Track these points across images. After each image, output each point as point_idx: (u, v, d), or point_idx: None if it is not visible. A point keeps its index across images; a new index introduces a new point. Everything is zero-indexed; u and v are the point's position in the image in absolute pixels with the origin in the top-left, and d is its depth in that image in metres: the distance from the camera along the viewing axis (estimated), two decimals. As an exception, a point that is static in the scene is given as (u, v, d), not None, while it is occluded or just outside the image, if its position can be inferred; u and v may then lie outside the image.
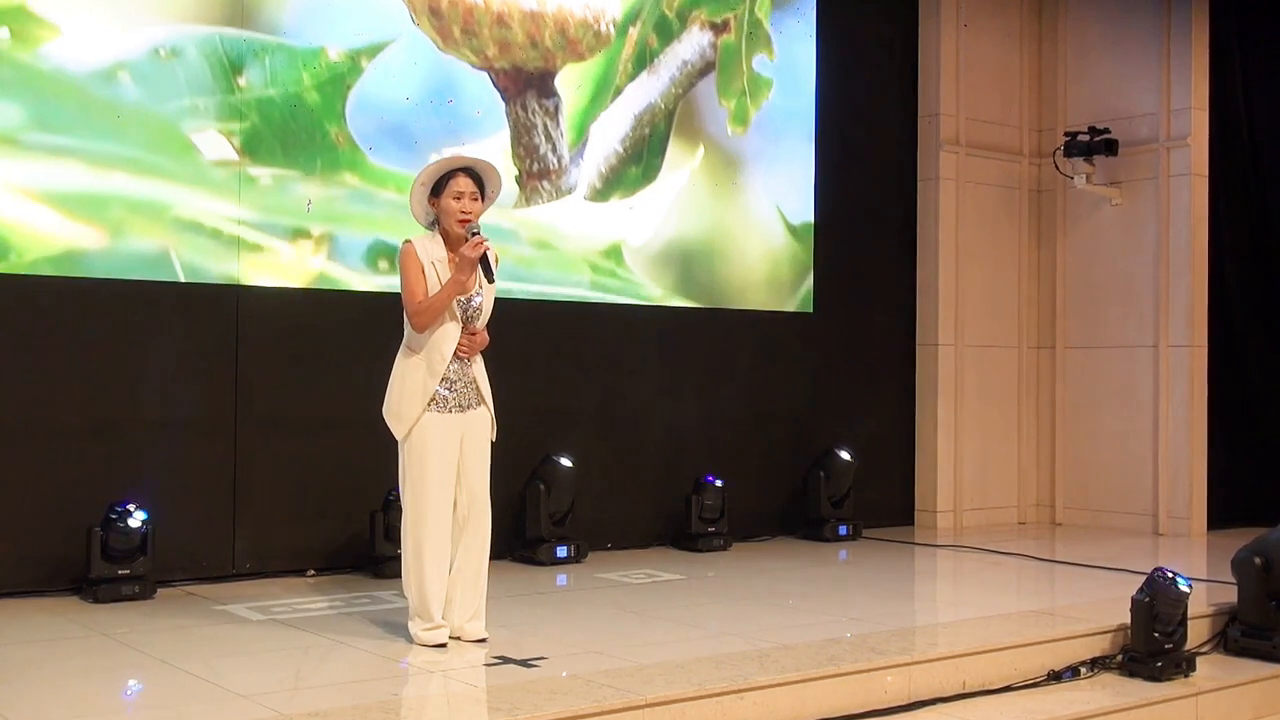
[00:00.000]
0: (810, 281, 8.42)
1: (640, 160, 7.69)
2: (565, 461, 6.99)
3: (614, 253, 7.57)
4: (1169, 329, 8.64)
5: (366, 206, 6.65)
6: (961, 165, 8.99)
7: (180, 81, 6.12)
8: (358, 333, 6.50)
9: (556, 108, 7.36)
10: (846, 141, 8.66)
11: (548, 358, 7.27)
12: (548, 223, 7.29)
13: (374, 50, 6.69)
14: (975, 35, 9.08)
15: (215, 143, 6.22)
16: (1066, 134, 8.91)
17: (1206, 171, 8.70)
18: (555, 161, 7.34)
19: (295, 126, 6.45)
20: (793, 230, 8.34)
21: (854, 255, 8.70)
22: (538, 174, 7.28)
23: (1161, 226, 8.70)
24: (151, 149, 6.04)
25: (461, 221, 4.72)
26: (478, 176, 4.82)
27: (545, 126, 7.28)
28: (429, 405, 4.72)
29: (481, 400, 4.85)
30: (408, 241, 4.80)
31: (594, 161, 7.51)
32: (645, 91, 7.72)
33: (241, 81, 6.29)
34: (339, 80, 6.58)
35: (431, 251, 4.77)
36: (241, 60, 6.29)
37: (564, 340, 7.37)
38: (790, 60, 8.38)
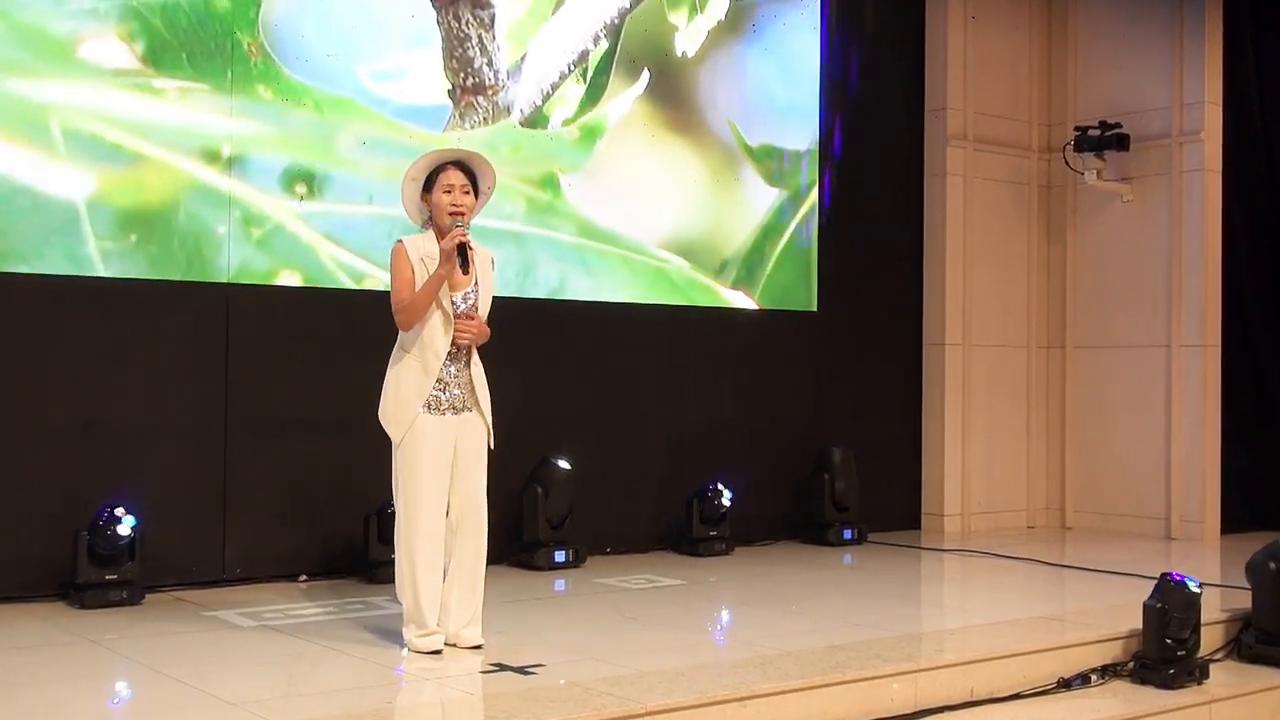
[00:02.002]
0: (814, 272, 8.41)
1: (584, 78, 7.45)
2: (563, 464, 6.98)
3: (550, 182, 7.32)
4: (1182, 328, 8.64)
5: (281, 125, 6.41)
6: (969, 161, 8.98)
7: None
8: (351, 332, 6.49)
9: (492, 19, 7.10)
10: (851, 136, 8.66)
11: (546, 357, 7.26)
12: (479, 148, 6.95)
13: None
14: (983, 27, 9.08)
15: (114, 50, 5.95)
16: (1077, 128, 8.91)
17: (1220, 167, 8.70)
18: (491, 76, 7.10)
19: (203, 35, 6.16)
20: (750, 151, 8.13)
21: (859, 253, 8.69)
22: (472, 89, 7.03)
23: (1174, 223, 8.70)
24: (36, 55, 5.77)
25: (452, 214, 4.72)
26: (469, 170, 4.81)
27: (480, 39, 7.04)
28: (423, 407, 4.71)
29: (476, 404, 4.84)
30: (399, 240, 4.79)
31: (533, 78, 7.25)
32: (589, 5, 7.45)
33: None
34: None
35: (422, 248, 4.76)
36: None
37: (562, 340, 7.37)
38: (794, 53, 8.38)
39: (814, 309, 8.45)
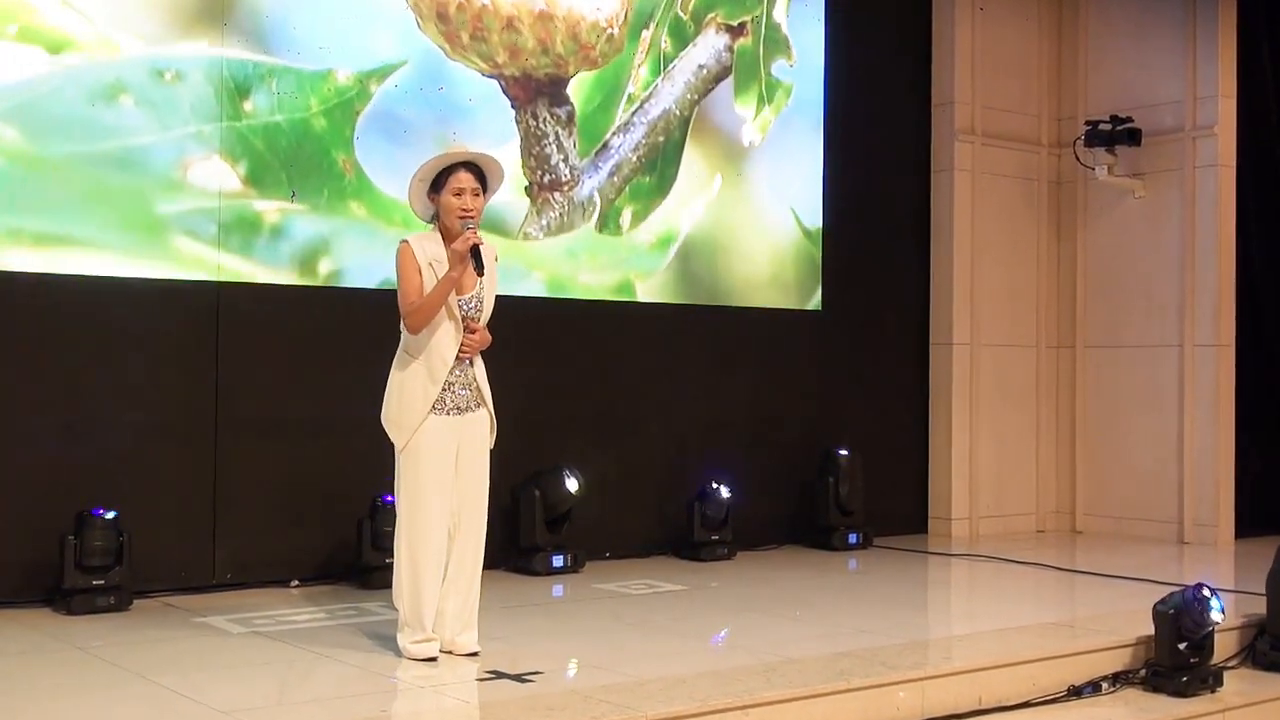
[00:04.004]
0: (818, 270, 8.43)
1: (655, 169, 7.73)
2: (566, 470, 6.97)
3: (626, 288, 7.63)
4: (1194, 327, 8.64)
5: (372, 239, 6.64)
6: (977, 156, 8.98)
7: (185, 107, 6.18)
8: (344, 332, 6.50)
9: (569, 115, 7.38)
10: (857, 131, 8.66)
11: (544, 358, 7.26)
12: (557, 257, 7.32)
13: (385, 72, 6.72)
14: (991, 19, 9.08)
15: (218, 171, 6.26)
16: (1087, 123, 8.91)
17: (1234, 162, 8.69)
18: (567, 172, 7.37)
19: (301, 153, 6.47)
20: (808, 234, 8.39)
21: (865, 250, 8.70)
22: (549, 185, 7.31)
23: (1187, 220, 8.70)
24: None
25: (461, 217, 4.72)
26: (479, 171, 4.81)
27: (557, 135, 7.31)
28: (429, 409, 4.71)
29: (481, 402, 4.85)
30: (404, 241, 4.80)
31: (607, 172, 7.54)
32: (659, 98, 7.75)
33: (248, 106, 6.31)
34: (348, 105, 6.61)
35: (429, 250, 4.76)
36: (248, 84, 6.33)
37: (561, 340, 7.37)
38: (798, 46, 8.38)
39: (818, 308, 8.45)
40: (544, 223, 7.30)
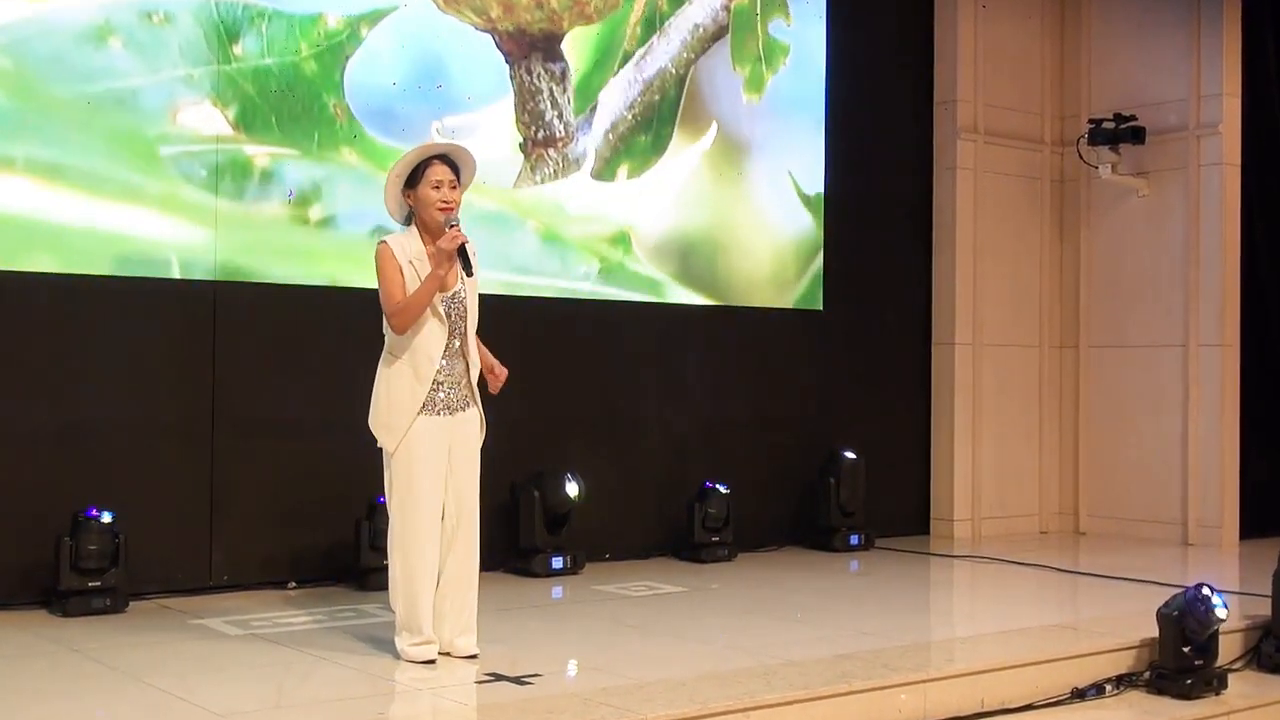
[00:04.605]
0: (819, 270, 8.42)
1: (650, 129, 7.69)
2: (567, 475, 6.96)
3: (623, 240, 7.57)
4: (1199, 327, 8.64)
5: (365, 185, 6.60)
6: (980, 154, 8.98)
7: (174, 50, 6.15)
8: (341, 332, 6.50)
9: (563, 72, 7.37)
10: (858, 129, 8.66)
11: (542, 357, 7.25)
12: (552, 206, 7.28)
13: (376, 17, 6.68)
14: (994, 16, 9.08)
15: (209, 116, 6.23)
16: (1091, 121, 8.91)
17: (1239, 160, 8.70)
18: (562, 129, 7.35)
19: (292, 98, 6.45)
20: (807, 200, 8.35)
21: (866, 249, 8.69)
22: (543, 142, 7.29)
23: (1191, 219, 8.70)
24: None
25: (441, 210, 4.72)
26: (453, 163, 4.81)
27: (551, 92, 7.29)
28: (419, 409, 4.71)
29: (472, 400, 4.85)
30: (383, 241, 4.78)
31: (601, 129, 7.51)
32: (655, 56, 7.73)
33: (237, 50, 6.29)
34: (338, 49, 6.57)
35: (409, 249, 4.75)
36: (237, 27, 6.30)
37: (560, 339, 7.37)
38: (799, 42, 8.38)
39: (819, 308, 8.45)
40: (538, 179, 7.28)
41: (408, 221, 4.84)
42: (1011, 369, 9.12)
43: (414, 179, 4.76)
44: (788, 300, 8.31)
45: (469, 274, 4.78)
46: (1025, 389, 9.19)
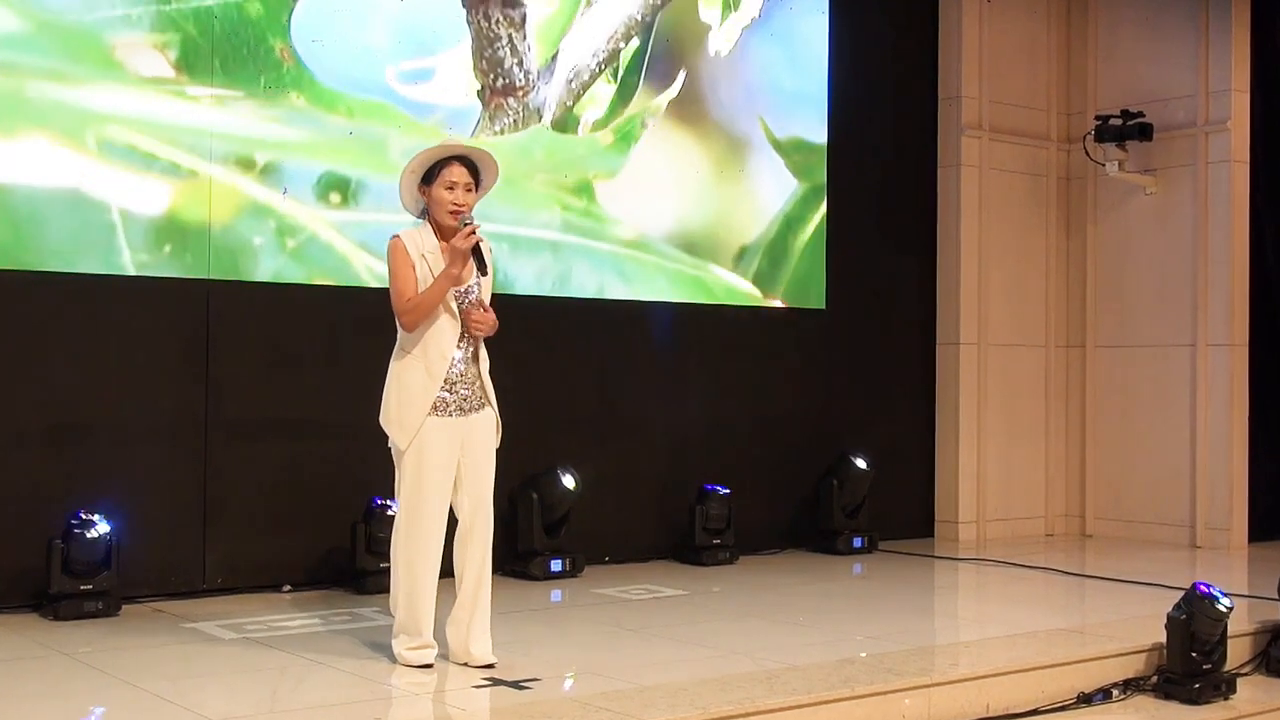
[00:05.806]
0: (823, 271, 8.42)
1: (615, 76, 7.55)
2: (560, 469, 6.98)
3: (585, 189, 7.41)
4: (1207, 326, 8.65)
5: (315, 131, 6.50)
6: (985, 151, 8.99)
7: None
8: (338, 331, 6.51)
9: (523, 19, 7.19)
10: (861, 125, 8.67)
11: (542, 357, 7.26)
12: (511, 156, 7.00)
13: None
14: (999, 11, 9.08)
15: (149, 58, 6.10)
16: (1097, 118, 8.91)
17: (1248, 158, 8.70)
18: (522, 77, 7.18)
19: (236, 41, 6.30)
20: (777, 144, 8.25)
21: (869, 248, 8.70)
22: (503, 90, 7.11)
23: (1199, 216, 8.70)
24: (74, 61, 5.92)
25: (453, 213, 4.72)
26: (473, 166, 4.80)
27: (510, 38, 7.11)
28: (430, 411, 4.71)
29: (486, 401, 4.83)
30: (395, 236, 4.78)
31: (564, 78, 7.34)
32: (621, 2, 7.56)
33: None
34: None
35: (422, 244, 4.75)
36: None
37: (560, 339, 7.37)
38: (801, 38, 8.38)
39: (822, 306, 8.45)
40: (497, 129, 7.11)
41: (422, 216, 4.84)
42: (1017, 369, 9.12)
43: (430, 176, 4.76)
44: (790, 299, 8.28)
45: (483, 273, 4.78)
46: (1031, 389, 9.19)
